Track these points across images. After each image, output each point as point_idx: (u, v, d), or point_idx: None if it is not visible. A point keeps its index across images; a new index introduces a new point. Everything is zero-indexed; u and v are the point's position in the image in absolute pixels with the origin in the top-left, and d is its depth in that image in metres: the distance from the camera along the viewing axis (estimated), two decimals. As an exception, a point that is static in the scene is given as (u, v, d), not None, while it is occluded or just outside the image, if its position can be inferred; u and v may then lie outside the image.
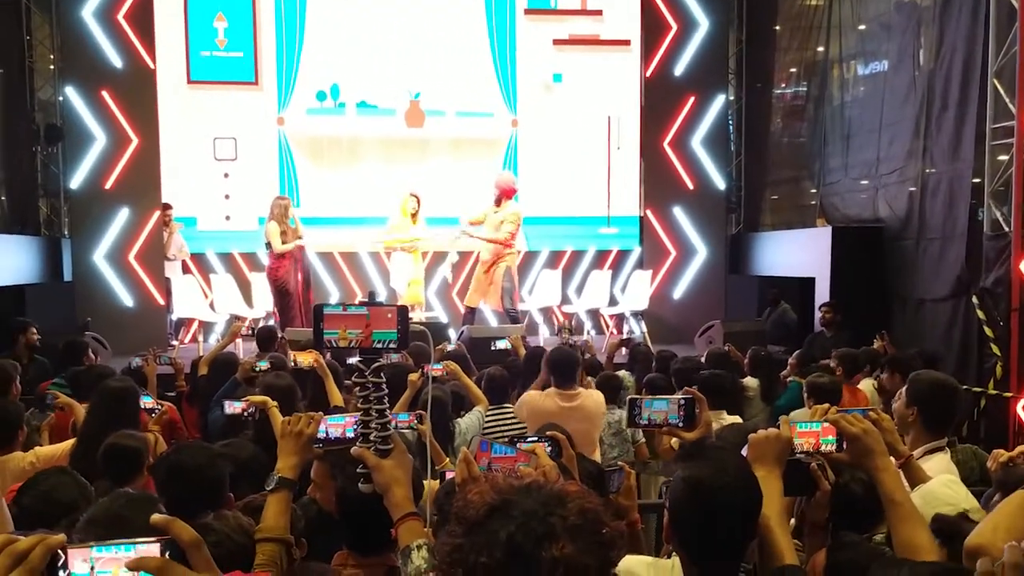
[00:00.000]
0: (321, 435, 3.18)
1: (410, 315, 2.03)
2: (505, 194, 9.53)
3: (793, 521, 2.58)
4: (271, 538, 2.22)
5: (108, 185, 10.39)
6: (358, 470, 1.91)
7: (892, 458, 2.23)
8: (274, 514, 2.27)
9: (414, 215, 9.72)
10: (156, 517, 1.31)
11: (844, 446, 2.19)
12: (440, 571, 1.34)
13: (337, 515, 2.58)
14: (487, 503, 1.32)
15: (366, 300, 9.84)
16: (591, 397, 4.99)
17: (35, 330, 7.57)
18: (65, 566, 1.26)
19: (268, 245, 9.54)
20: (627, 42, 11.58)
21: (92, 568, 1.27)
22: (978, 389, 7.52)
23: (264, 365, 5.49)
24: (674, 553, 2.15)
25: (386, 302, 8.08)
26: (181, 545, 1.29)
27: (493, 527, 1.29)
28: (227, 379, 5.46)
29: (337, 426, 3.26)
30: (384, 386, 1.89)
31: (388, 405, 1.91)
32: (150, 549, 1.28)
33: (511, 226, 9.44)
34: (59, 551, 1.24)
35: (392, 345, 1.85)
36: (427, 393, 4.64)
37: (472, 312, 9.92)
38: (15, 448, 4.00)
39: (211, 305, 10.29)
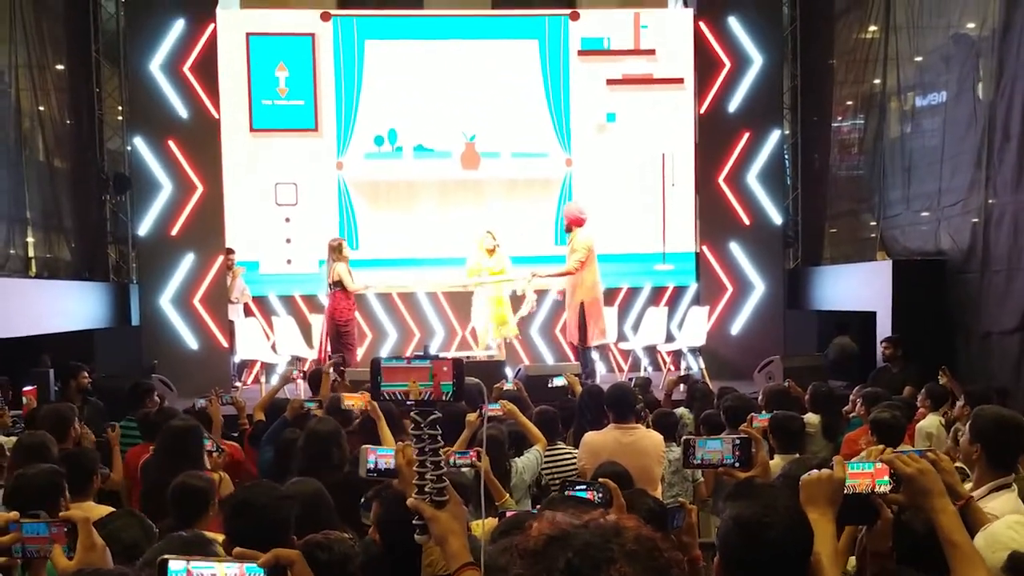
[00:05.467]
0: (370, 465, 3.24)
1: (474, 352, 2.09)
2: (574, 223, 9.43)
3: (853, 560, 2.54)
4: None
5: (174, 232, 10.65)
6: (414, 521, 1.93)
7: (950, 499, 2.18)
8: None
9: (491, 251, 9.74)
10: (266, 556, 1.39)
11: (901, 487, 2.16)
12: None
13: (381, 545, 2.60)
14: (545, 534, 1.35)
15: (423, 353, 9.79)
16: (649, 434, 4.98)
17: (87, 373, 7.77)
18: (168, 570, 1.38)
19: (333, 285, 9.64)
20: (680, 80, 11.61)
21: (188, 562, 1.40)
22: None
23: (312, 405, 5.56)
24: None
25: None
26: (284, 563, 1.38)
27: (552, 554, 1.31)
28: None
29: (385, 457, 3.31)
30: (440, 438, 1.92)
31: (443, 456, 1.94)
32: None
33: (579, 254, 9.23)
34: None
35: (449, 397, 1.90)
36: (500, 432, 4.67)
37: (583, 350, 9.57)
38: (88, 496, 4.04)
39: (273, 347, 10.46)
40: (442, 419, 1.95)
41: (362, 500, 3.10)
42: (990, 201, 8.63)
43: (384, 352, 11.08)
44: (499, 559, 1.97)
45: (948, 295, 9.22)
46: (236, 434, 6.27)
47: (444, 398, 1.90)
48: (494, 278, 9.68)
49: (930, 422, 6.03)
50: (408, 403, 1.91)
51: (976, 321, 8.77)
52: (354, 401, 5.28)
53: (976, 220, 8.86)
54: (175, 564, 1.38)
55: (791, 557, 1.98)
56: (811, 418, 6.20)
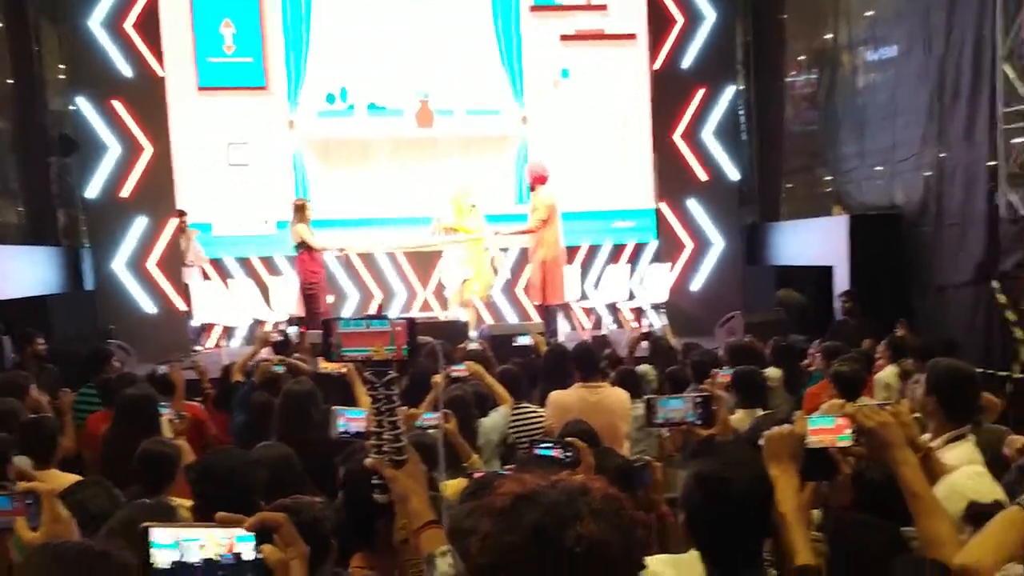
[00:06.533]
0: (340, 428, 3.22)
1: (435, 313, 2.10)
2: (537, 180, 9.35)
3: (818, 512, 2.58)
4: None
5: (124, 194, 10.45)
6: (373, 481, 1.93)
7: (912, 450, 2.22)
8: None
9: (472, 207, 9.59)
10: (252, 520, 1.37)
11: (861, 440, 2.19)
12: (473, 569, 1.37)
13: (345, 515, 2.61)
14: (513, 493, 1.36)
15: (377, 314, 9.70)
16: (615, 392, 5.02)
17: (41, 340, 7.63)
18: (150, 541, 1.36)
19: (298, 247, 9.56)
20: (633, 36, 11.56)
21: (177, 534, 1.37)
22: (1004, 373, 7.48)
23: (280, 369, 5.54)
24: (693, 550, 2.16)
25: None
26: (270, 527, 1.37)
27: (520, 513, 1.33)
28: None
29: (356, 420, 3.29)
30: (395, 398, 1.92)
31: (400, 416, 1.94)
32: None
33: (540, 212, 9.17)
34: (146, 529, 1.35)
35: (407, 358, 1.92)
36: (466, 393, 4.67)
37: (545, 308, 9.57)
38: (51, 465, 4.00)
39: (231, 309, 10.34)
40: (410, 381, 1.95)
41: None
42: (941, 155, 8.74)
43: (346, 313, 11.02)
44: (464, 522, 1.97)
45: (904, 249, 9.35)
46: (200, 399, 6.21)
47: (404, 359, 1.91)
48: (468, 236, 9.58)
49: (888, 373, 6.13)
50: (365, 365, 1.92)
51: (930, 274, 8.93)
52: (328, 364, 5.26)
53: (929, 174, 8.98)
54: (160, 535, 1.36)
55: (753, 511, 2.03)
56: (772, 372, 6.27)
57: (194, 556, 1.35)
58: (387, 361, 1.90)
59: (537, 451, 3.07)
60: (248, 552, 1.36)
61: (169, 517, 2.32)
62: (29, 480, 2.46)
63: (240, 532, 1.36)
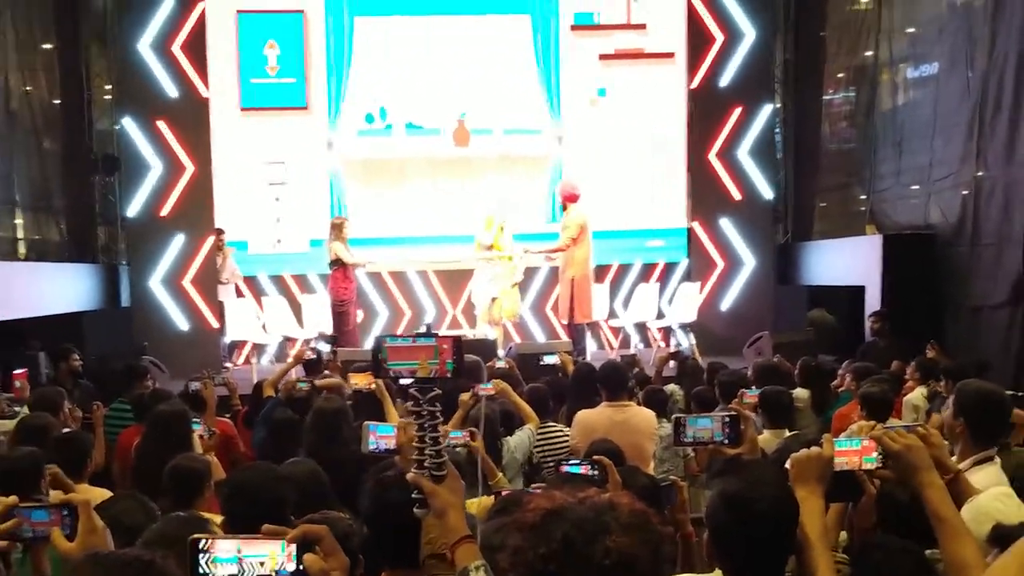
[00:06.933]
0: (372, 446, 3.27)
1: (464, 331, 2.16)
2: (568, 199, 9.37)
3: (845, 535, 2.58)
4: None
5: (164, 212, 10.61)
6: (413, 495, 1.97)
7: (938, 473, 2.21)
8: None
9: (502, 229, 9.64)
10: (295, 532, 1.45)
11: (888, 463, 2.19)
12: None
13: (369, 532, 2.64)
14: (543, 508, 1.39)
15: (425, 332, 9.78)
16: (641, 412, 5.02)
17: (77, 356, 7.76)
18: (207, 550, 1.42)
19: (333, 264, 9.68)
20: (671, 55, 11.56)
21: (239, 551, 1.42)
22: (1035, 396, 7.35)
23: (304, 386, 5.60)
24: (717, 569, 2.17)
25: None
26: (312, 539, 1.43)
27: (550, 527, 1.38)
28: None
29: (386, 437, 3.34)
30: (439, 414, 1.97)
31: (441, 432, 1.98)
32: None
33: (571, 231, 9.18)
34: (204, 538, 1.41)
35: (451, 374, 1.98)
36: (492, 411, 4.71)
37: (573, 327, 9.58)
38: (83, 479, 4.03)
39: (263, 327, 10.47)
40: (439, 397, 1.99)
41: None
42: (980, 174, 8.65)
43: (375, 331, 11.12)
44: (493, 538, 2.01)
45: (937, 269, 9.25)
46: (229, 415, 6.29)
47: (448, 375, 1.97)
48: (499, 254, 9.61)
49: (916, 395, 6.09)
50: (408, 381, 1.98)
51: (964, 295, 8.82)
52: (360, 380, 5.31)
53: (966, 193, 8.88)
54: (224, 547, 1.41)
55: (778, 530, 2.04)
56: (800, 393, 6.24)
57: (253, 572, 1.41)
58: (431, 377, 1.96)
59: (566, 468, 3.12)
60: (289, 564, 1.41)
61: (204, 531, 2.37)
62: (67, 489, 2.50)
63: (292, 547, 1.42)
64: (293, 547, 1.43)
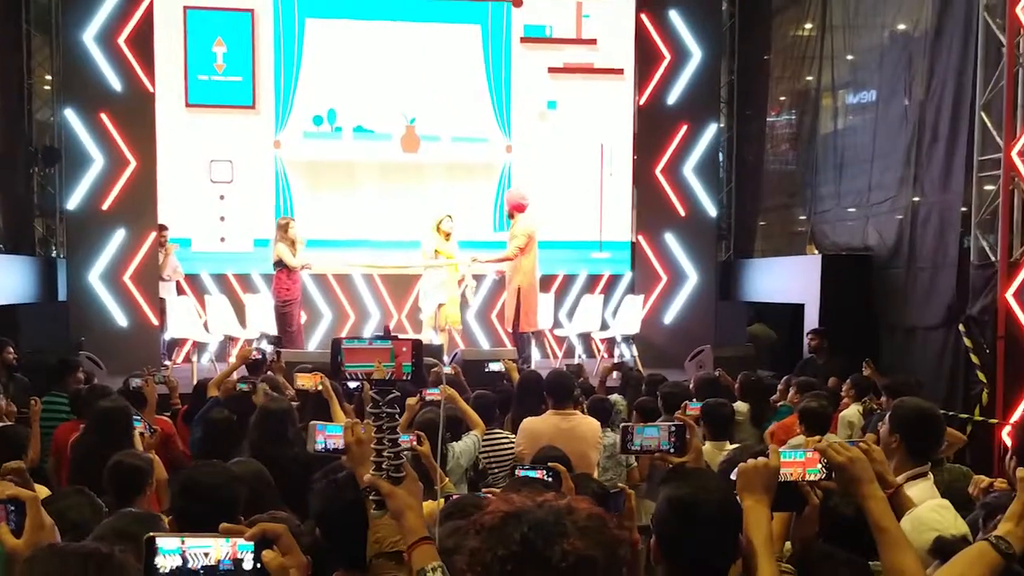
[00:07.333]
0: (319, 445, 3.27)
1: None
2: (515, 208, 9.42)
3: (789, 545, 2.64)
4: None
5: (105, 206, 10.40)
6: (371, 497, 1.98)
7: (879, 486, 2.29)
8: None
9: (448, 235, 9.67)
10: (254, 530, 1.45)
11: (832, 475, 2.26)
12: None
13: (320, 532, 2.63)
14: (502, 511, 1.41)
15: (384, 334, 9.72)
16: (586, 420, 5.07)
17: (12, 349, 7.58)
18: (155, 552, 1.42)
19: (277, 264, 9.63)
20: (620, 71, 11.72)
21: (183, 542, 1.42)
22: (965, 415, 7.60)
23: (243, 387, 5.54)
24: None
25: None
26: (271, 537, 1.43)
27: (508, 530, 1.39)
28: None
29: (334, 437, 3.33)
30: (397, 416, 1.98)
31: (399, 434, 2.00)
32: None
33: (519, 240, 9.22)
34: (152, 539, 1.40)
35: (408, 377, 1.97)
36: (439, 416, 4.71)
37: (518, 335, 9.59)
38: None
39: (205, 326, 10.32)
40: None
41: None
42: (916, 199, 8.89)
43: (318, 333, 11.05)
44: (447, 541, 2.03)
45: (874, 289, 9.48)
46: (168, 413, 6.20)
47: (404, 378, 1.97)
48: (448, 261, 9.64)
49: (852, 411, 6.25)
50: (366, 383, 1.99)
51: (899, 315, 9.04)
52: (305, 381, 5.27)
53: (902, 217, 9.13)
54: (167, 542, 1.40)
55: (722, 535, 2.09)
56: (740, 406, 6.38)
57: (198, 563, 1.40)
58: (388, 379, 1.97)
59: (521, 472, 3.16)
60: (248, 561, 1.41)
61: (158, 529, 2.34)
62: (24, 482, 2.45)
63: (241, 542, 1.42)
64: (239, 540, 1.43)
